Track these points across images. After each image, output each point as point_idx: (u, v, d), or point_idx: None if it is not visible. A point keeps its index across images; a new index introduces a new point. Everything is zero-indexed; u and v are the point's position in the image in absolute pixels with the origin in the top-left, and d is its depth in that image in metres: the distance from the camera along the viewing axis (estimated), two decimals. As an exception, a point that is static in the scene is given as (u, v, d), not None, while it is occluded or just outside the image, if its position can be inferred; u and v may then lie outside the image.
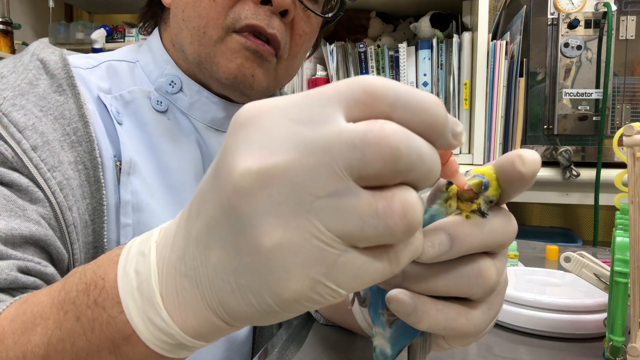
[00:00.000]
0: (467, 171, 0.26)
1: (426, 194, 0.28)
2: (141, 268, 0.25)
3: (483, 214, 0.25)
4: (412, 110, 0.21)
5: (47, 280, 0.41)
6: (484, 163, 1.30)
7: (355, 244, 0.21)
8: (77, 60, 0.55)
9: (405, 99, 0.21)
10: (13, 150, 0.42)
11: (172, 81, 0.57)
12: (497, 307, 0.28)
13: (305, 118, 0.21)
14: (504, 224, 0.26)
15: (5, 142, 0.42)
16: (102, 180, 0.48)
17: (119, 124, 0.52)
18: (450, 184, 0.26)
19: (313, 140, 0.20)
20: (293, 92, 1.46)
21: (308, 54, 0.66)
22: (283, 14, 0.53)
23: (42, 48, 0.51)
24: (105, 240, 0.48)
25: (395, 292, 0.26)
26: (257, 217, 0.20)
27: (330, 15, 0.59)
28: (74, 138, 0.47)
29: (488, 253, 0.26)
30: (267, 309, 0.22)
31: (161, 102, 0.56)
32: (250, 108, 0.22)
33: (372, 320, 0.31)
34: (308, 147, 0.20)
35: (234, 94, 0.57)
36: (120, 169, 0.50)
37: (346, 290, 0.21)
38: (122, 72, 0.57)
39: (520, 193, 0.25)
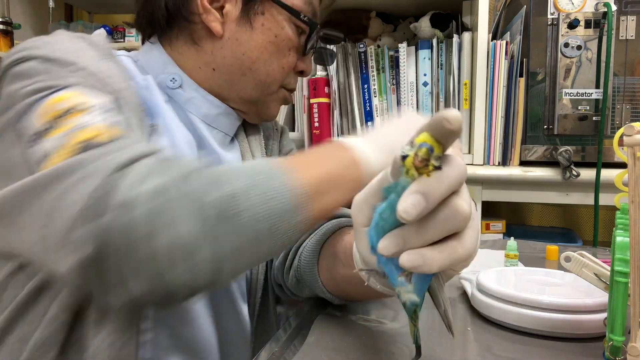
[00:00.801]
0: (412, 142, 0.32)
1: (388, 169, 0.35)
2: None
3: (438, 168, 0.32)
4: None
5: None
6: (484, 163, 1.30)
7: None
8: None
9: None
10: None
11: (174, 78, 0.67)
12: (477, 227, 0.36)
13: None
14: (454, 167, 0.32)
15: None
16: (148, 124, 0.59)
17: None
18: (404, 157, 0.32)
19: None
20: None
21: None
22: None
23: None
24: None
25: (404, 257, 0.33)
26: None
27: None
28: (127, 93, 0.55)
29: (454, 193, 0.33)
30: None
31: (166, 94, 0.66)
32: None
33: (393, 285, 0.37)
34: None
35: (255, 119, 0.74)
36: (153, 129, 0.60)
37: None
38: (129, 65, 0.66)
39: (453, 142, 0.32)
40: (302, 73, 0.72)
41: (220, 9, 0.65)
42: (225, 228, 0.39)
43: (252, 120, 0.74)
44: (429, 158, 0.31)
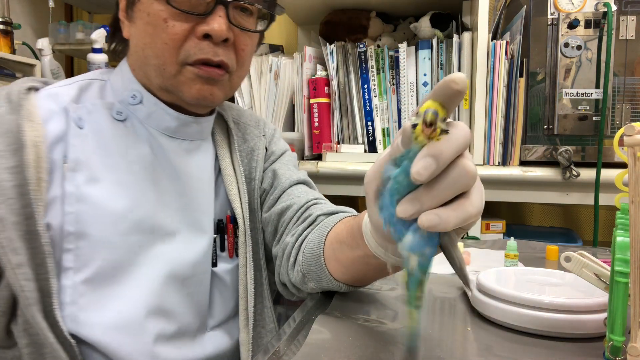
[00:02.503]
0: (417, 112, 0.35)
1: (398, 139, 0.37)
2: None
3: (446, 132, 0.34)
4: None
5: None
6: (484, 163, 1.30)
7: None
8: (57, 83, 0.70)
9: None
10: None
11: (134, 95, 0.68)
12: (481, 187, 0.39)
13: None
14: (460, 130, 0.35)
15: None
16: (46, 179, 0.60)
17: (79, 128, 0.64)
18: (414, 125, 0.34)
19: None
20: (293, 92, 1.46)
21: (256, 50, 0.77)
22: (225, 41, 0.64)
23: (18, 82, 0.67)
24: (39, 227, 0.58)
25: (423, 217, 0.36)
26: None
27: (264, 27, 0.70)
28: (16, 147, 0.59)
29: (460, 155, 0.35)
30: None
31: (121, 113, 0.68)
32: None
33: (406, 249, 0.38)
34: None
35: (199, 109, 0.71)
36: (66, 165, 0.62)
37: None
38: (92, 88, 0.70)
39: (457, 104, 0.35)
40: (208, 37, 0.63)
41: (126, 12, 0.68)
42: None
43: (201, 110, 0.72)
44: (436, 121, 0.34)
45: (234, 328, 0.74)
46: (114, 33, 0.72)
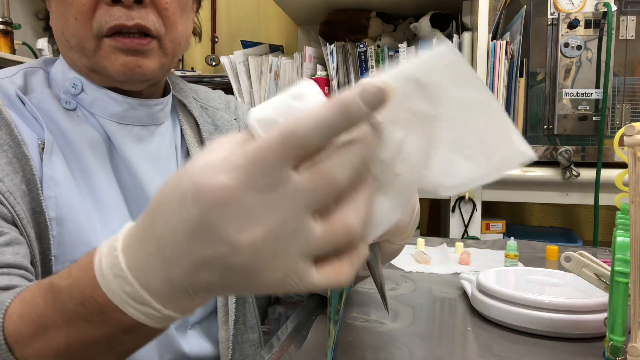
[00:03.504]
0: None
1: None
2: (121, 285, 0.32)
3: None
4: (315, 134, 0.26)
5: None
6: (484, 163, 1.29)
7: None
8: (1, 72, 0.65)
9: (309, 130, 0.26)
10: None
11: (74, 84, 0.63)
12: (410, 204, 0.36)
13: (265, 185, 0.26)
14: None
15: None
16: (28, 155, 0.55)
17: (34, 117, 0.60)
18: None
19: (280, 204, 0.26)
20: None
21: (196, 7, 0.71)
22: (138, 1, 0.58)
23: None
24: (43, 205, 0.55)
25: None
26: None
27: None
28: None
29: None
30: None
31: (69, 102, 0.63)
32: (218, 190, 0.27)
33: None
34: (278, 212, 0.26)
35: (132, 85, 0.63)
36: (43, 148, 0.58)
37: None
38: (36, 77, 0.65)
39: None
40: (117, 1, 0.57)
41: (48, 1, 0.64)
42: None
43: (136, 86, 0.64)
44: None
45: (214, 325, 0.70)
46: (50, 28, 0.68)
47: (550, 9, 1.22)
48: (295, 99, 0.30)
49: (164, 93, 0.71)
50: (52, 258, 0.56)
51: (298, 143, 0.26)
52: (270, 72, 1.47)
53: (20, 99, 0.61)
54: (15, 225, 0.52)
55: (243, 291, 0.37)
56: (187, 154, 0.72)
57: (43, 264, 0.55)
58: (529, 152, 0.30)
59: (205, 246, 0.28)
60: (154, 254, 0.30)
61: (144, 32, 0.59)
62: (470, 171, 0.31)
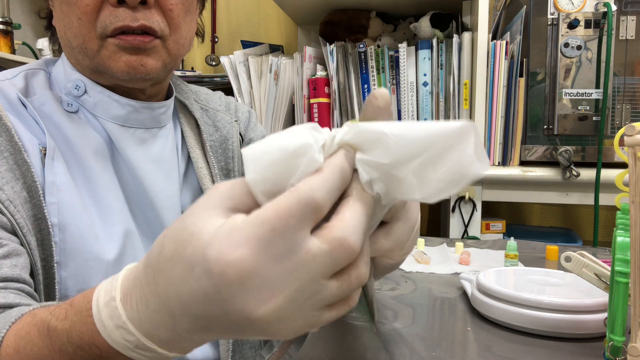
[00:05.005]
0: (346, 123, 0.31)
1: None
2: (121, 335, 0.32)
3: None
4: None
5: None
6: (484, 163, 1.29)
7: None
8: (1, 74, 0.64)
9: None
10: None
11: (77, 85, 0.63)
12: (411, 220, 0.35)
13: (284, 253, 0.26)
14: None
15: None
16: (29, 161, 0.55)
17: (35, 121, 0.60)
18: None
19: (300, 270, 0.26)
20: (293, 93, 1.46)
21: (200, 9, 0.71)
22: (143, 2, 0.58)
23: None
24: (45, 211, 0.55)
25: None
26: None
27: None
28: None
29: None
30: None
31: (71, 104, 0.63)
32: (237, 266, 0.26)
33: None
34: (298, 280, 0.27)
35: (136, 83, 0.63)
36: (45, 154, 0.57)
37: None
38: (37, 79, 0.64)
39: (385, 119, 0.31)
40: (123, 2, 0.57)
41: (51, 0, 0.63)
42: None
43: (139, 85, 0.64)
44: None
45: None
46: (51, 27, 0.68)
47: (550, 9, 1.22)
48: (296, 157, 0.28)
49: (167, 96, 0.71)
50: (55, 264, 0.55)
51: (317, 207, 0.27)
52: (270, 72, 1.47)
53: (22, 103, 0.60)
54: (15, 234, 0.52)
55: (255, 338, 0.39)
56: (187, 155, 0.72)
57: (45, 271, 0.55)
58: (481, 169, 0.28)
59: (221, 315, 0.28)
60: (158, 311, 0.30)
61: (148, 32, 0.59)
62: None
